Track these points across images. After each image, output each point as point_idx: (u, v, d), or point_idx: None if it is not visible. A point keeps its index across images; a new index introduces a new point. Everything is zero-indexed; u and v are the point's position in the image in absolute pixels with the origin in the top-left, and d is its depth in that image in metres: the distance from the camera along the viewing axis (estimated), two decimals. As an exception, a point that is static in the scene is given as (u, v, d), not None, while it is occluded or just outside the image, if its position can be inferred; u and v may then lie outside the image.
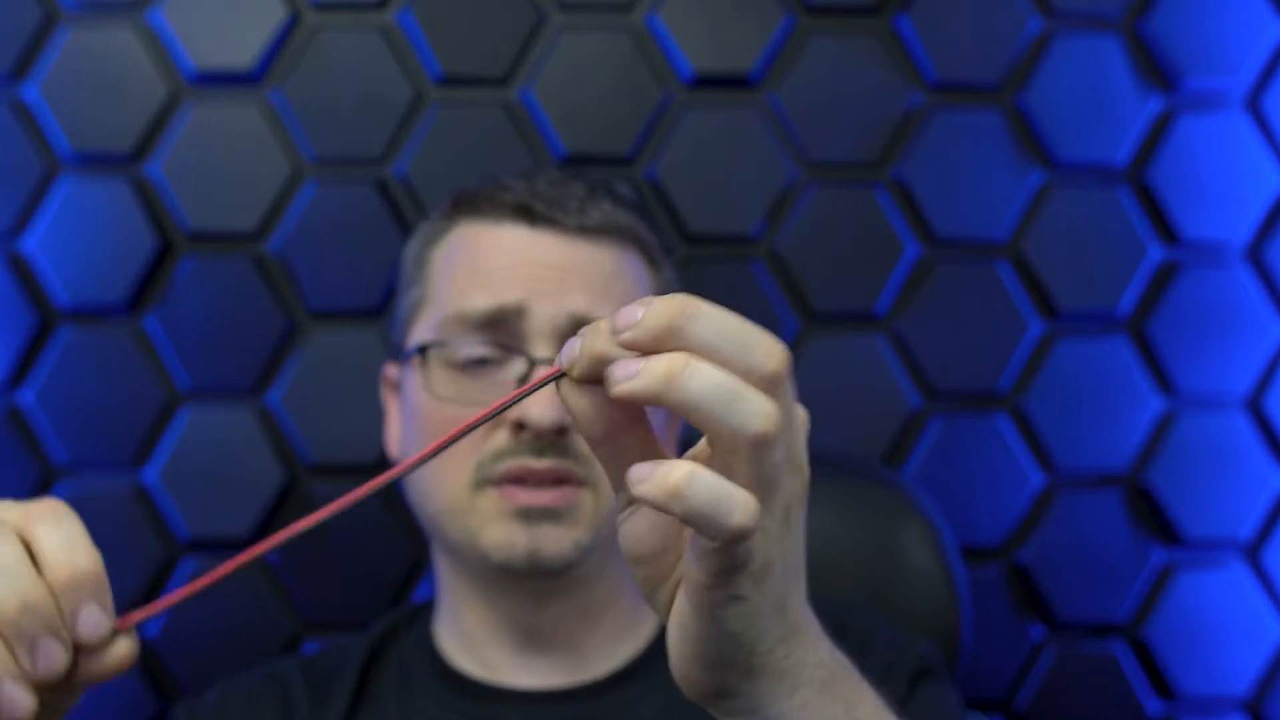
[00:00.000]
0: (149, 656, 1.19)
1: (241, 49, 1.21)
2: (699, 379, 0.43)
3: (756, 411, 0.43)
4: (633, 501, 0.49)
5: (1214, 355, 1.23)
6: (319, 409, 1.19)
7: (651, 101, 1.22)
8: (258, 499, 1.19)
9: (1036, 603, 1.22)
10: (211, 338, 1.20)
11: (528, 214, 0.85)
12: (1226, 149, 1.23)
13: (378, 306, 1.20)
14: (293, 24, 1.22)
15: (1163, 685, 1.21)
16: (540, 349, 0.81)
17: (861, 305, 1.22)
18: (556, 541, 0.80)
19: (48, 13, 1.21)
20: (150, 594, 1.19)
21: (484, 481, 0.80)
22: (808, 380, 1.21)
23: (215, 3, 1.21)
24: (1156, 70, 1.24)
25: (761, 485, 0.45)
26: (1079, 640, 1.22)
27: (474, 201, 0.87)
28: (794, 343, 1.21)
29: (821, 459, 1.06)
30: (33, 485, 1.19)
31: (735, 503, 0.43)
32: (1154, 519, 1.22)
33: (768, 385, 0.44)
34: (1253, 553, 1.23)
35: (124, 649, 0.49)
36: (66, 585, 0.47)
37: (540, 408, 0.78)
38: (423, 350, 0.84)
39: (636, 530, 0.49)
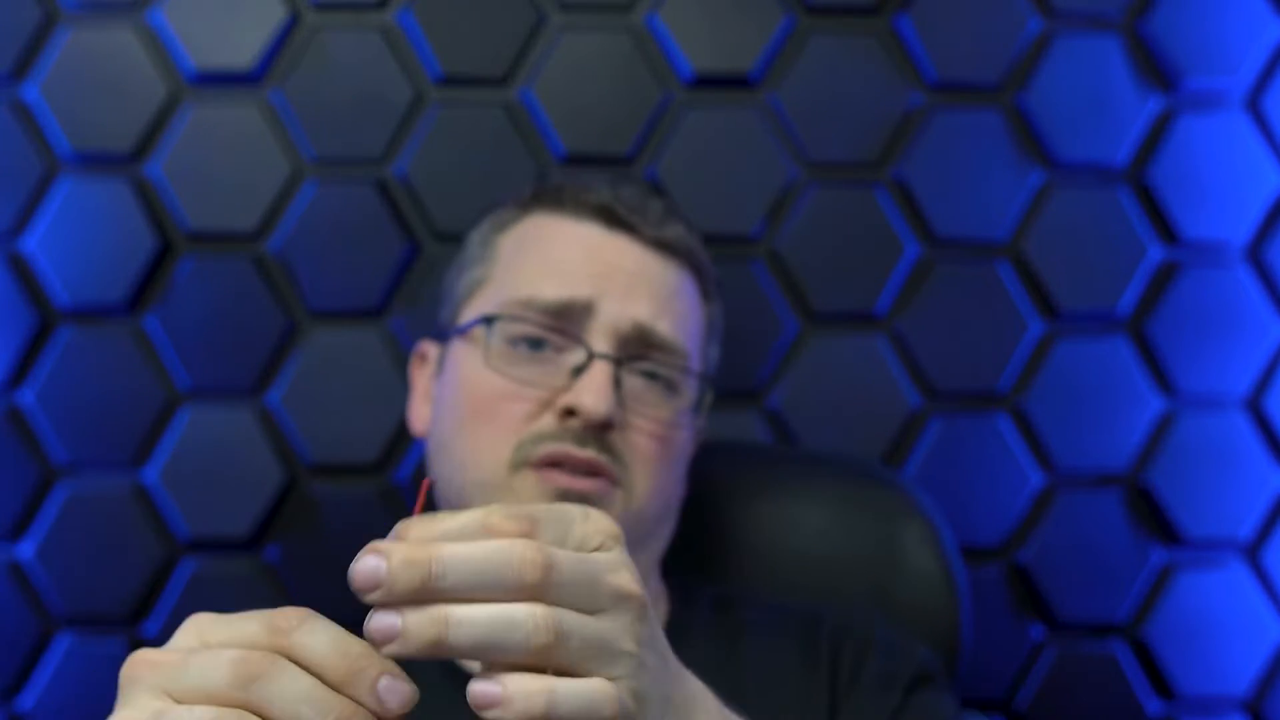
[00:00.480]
0: (149, 656, 1.19)
1: (241, 49, 1.21)
2: (464, 631, 0.43)
3: (532, 630, 0.43)
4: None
5: (1214, 355, 1.23)
6: (319, 409, 1.19)
7: (651, 101, 1.22)
8: (258, 499, 1.19)
9: (1036, 603, 1.22)
10: (211, 338, 1.20)
11: (608, 215, 0.86)
12: (1226, 149, 1.23)
13: (378, 306, 1.20)
14: (293, 24, 1.22)
15: (1162, 685, 1.21)
16: (600, 345, 0.82)
17: (861, 305, 1.22)
18: None
19: (48, 13, 1.21)
20: (150, 594, 1.19)
21: (522, 463, 0.81)
22: (808, 380, 1.21)
23: (215, 3, 1.21)
24: (1156, 70, 1.24)
25: (597, 660, 0.45)
26: (1079, 640, 1.22)
27: (556, 196, 0.89)
28: (794, 343, 1.22)
29: (821, 459, 1.07)
30: (33, 485, 1.19)
31: (600, 699, 0.44)
32: (1154, 519, 1.22)
33: (538, 591, 0.44)
34: (1252, 553, 1.23)
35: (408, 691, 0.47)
36: (358, 680, 0.46)
37: (594, 397, 0.79)
38: (488, 321, 0.84)
39: None
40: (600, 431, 0.80)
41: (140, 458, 1.19)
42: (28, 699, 1.18)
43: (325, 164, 1.21)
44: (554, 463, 0.80)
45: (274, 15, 1.21)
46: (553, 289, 0.83)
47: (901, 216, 1.22)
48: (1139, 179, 1.23)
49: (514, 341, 0.83)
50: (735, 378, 1.21)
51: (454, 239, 1.21)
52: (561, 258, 0.85)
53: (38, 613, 1.19)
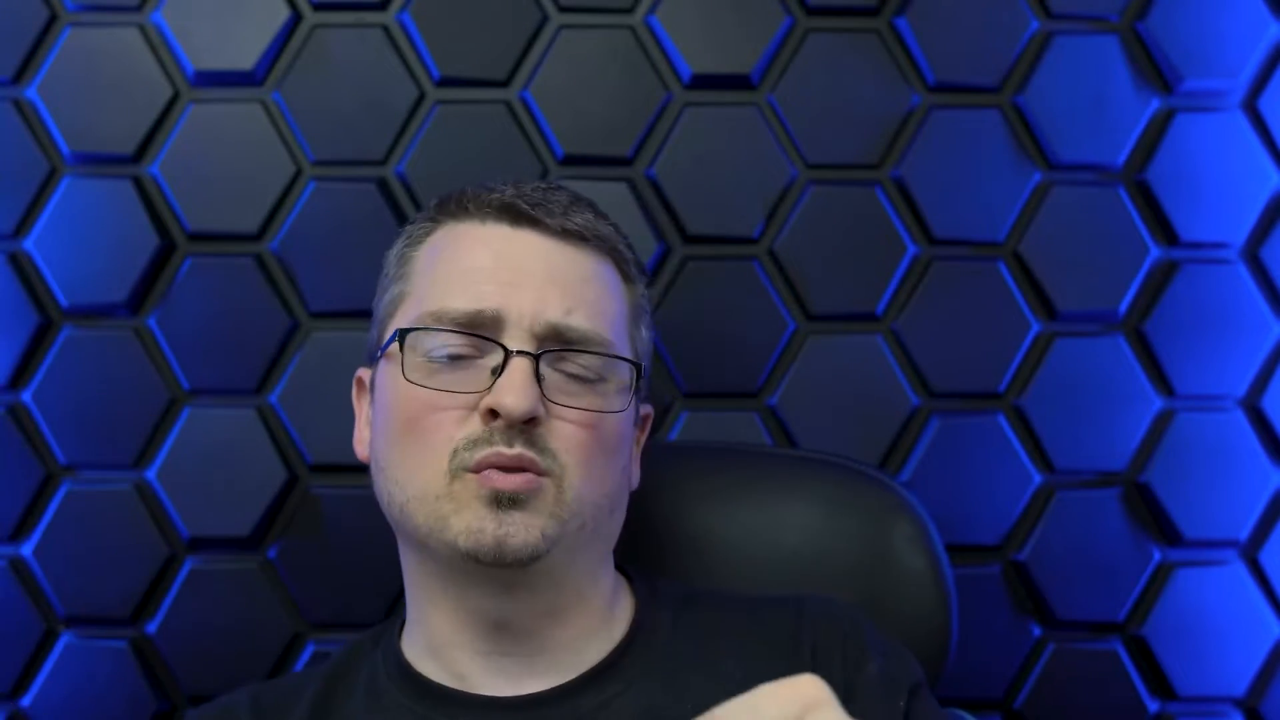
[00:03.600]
0: (149, 655, 1.19)
1: (242, 49, 1.21)
2: None
3: None
4: None
5: (1212, 355, 1.23)
6: (319, 409, 1.19)
7: (651, 101, 1.22)
8: (259, 498, 1.19)
9: (1035, 602, 1.22)
10: (212, 338, 1.20)
11: (511, 212, 0.86)
12: (1225, 149, 1.23)
13: (378, 306, 1.20)
14: (293, 24, 1.22)
15: (1161, 684, 1.22)
16: (516, 344, 0.82)
17: (861, 305, 1.22)
18: (526, 530, 0.80)
19: (50, 12, 1.21)
20: (152, 593, 1.19)
21: (461, 468, 0.81)
22: (807, 380, 1.21)
23: (216, 3, 1.21)
24: (1155, 71, 1.24)
25: None
26: (1077, 639, 1.22)
27: (460, 202, 0.89)
28: (793, 342, 1.22)
29: (810, 459, 1.07)
30: (35, 485, 1.19)
31: None
32: (1152, 518, 1.22)
33: None
34: (1250, 552, 1.23)
35: None
36: None
37: (514, 396, 0.80)
38: (401, 335, 0.84)
39: None
40: (525, 426, 0.81)
41: (141, 457, 1.20)
42: (29, 698, 1.19)
43: (326, 164, 1.21)
44: (490, 465, 0.80)
45: (275, 15, 1.21)
46: (462, 300, 0.84)
47: (900, 217, 1.23)
48: (1137, 179, 1.24)
49: (432, 357, 0.83)
50: (735, 378, 1.21)
51: (454, 239, 1.21)
52: (470, 265, 0.85)
53: (39, 612, 1.19)
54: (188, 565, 1.19)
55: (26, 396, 1.19)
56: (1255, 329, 1.23)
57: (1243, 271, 1.23)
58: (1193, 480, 1.22)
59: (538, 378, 0.82)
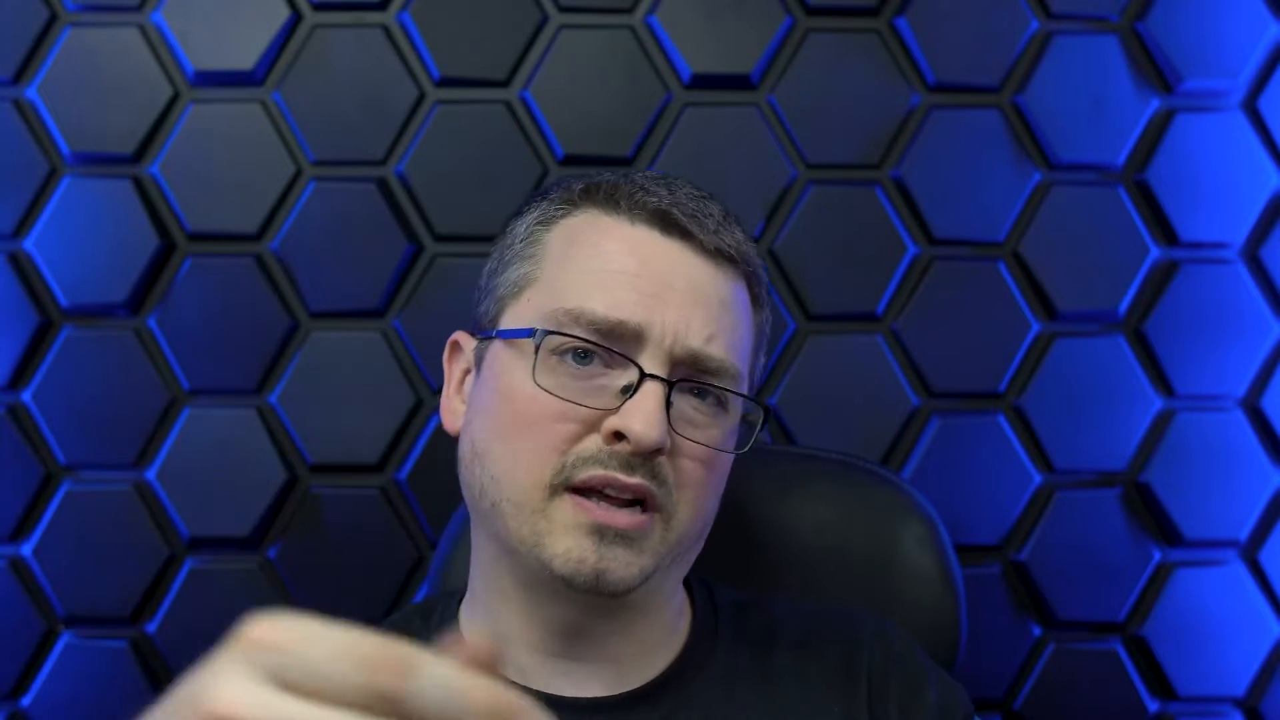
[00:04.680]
0: (149, 655, 1.19)
1: (242, 49, 1.21)
2: None
3: None
4: None
5: (1212, 355, 1.23)
6: (319, 409, 1.19)
7: (651, 101, 1.22)
8: (259, 498, 1.19)
9: (1035, 601, 1.22)
10: (212, 338, 1.20)
11: (664, 220, 0.82)
12: (1224, 150, 1.23)
13: (378, 307, 1.20)
14: (293, 24, 1.22)
15: (1161, 684, 1.22)
16: (652, 366, 0.78)
17: (861, 305, 1.22)
18: (626, 566, 0.77)
19: (50, 12, 1.21)
20: (152, 593, 1.19)
21: (562, 485, 0.77)
22: (807, 379, 1.21)
23: (216, 3, 1.21)
24: (1155, 71, 1.24)
25: None
26: (1077, 639, 1.22)
27: (611, 194, 0.83)
28: (794, 342, 1.22)
29: (819, 458, 1.07)
30: (35, 485, 1.19)
31: None
32: (1152, 518, 1.22)
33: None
34: (1250, 552, 1.23)
35: None
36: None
37: (645, 422, 0.76)
38: (541, 335, 0.79)
39: None
40: (649, 457, 0.77)
41: (141, 457, 1.20)
42: (29, 697, 1.19)
43: (326, 164, 1.21)
44: (594, 488, 0.77)
45: (275, 15, 1.21)
46: (604, 305, 0.79)
47: (900, 217, 1.23)
48: (1137, 179, 1.24)
49: (561, 352, 0.79)
50: (735, 377, 1.21)
51: (454, 239, 1.21)
52: (615, 268, 0.81)
53: (40, 611, 1.19)
54: (188, 565, 1.19)
55: (26, 396, 1.19)
56: (1255, 329, 1.23)
57: (1243, 271, 1.23)
58: (1193, 480, 1.22)
59: (668, 404, 0.78)
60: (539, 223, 0.85)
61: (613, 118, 1.22)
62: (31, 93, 1.21)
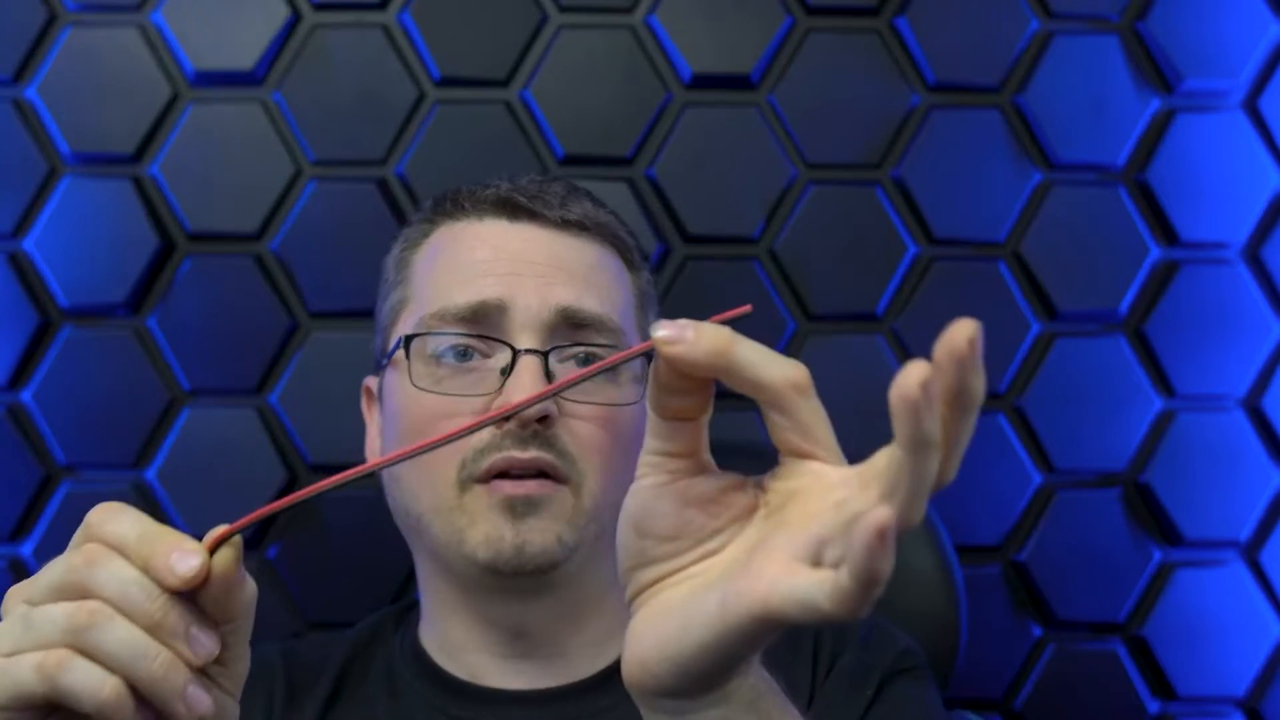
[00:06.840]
0: (150, 655, 1.19)
1: (242, 49, 1.21)
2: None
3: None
4: (671, 471, 0.52)
5: (1212, 355, 1.23)
6: (319, 409, 1.19)
7: (651, 101, 1.22)
8: (259, 498, 1.19)
9: (1035, 602, 1.22)
10: (212, 338, 1.20)
11: (509, 207, 0.84)
12: (1225, 150, 1.23)
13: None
14: (293, 24, 1.22)
15: (1161, 684, 1.22)
16: (523, 341, 0.80)
17: (861, 305, 1.22)
18: (543, 534, 0.78)
19: (50, 12, 1.21)
20: (151, 593, 1.19)
21: (470, 479, 0.79)
22: (807, 380, 1.21)
23: (216, 3, 1.21)
24: (1155, 71, 1.24)
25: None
26: (1077, 639, 1.22)
27: (455, 200, 0.87)
28: (794, 342, 1.22)
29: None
30: (35, 485, 1.19)
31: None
32: (1153, 518, 1.22)
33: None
34: (1251, 552, 1.23)
35: (222, 560, 0.51)
36: (159, 558, 0.50)
37: (522, 395, 0.76)
38: (406, 342, 0.83)
39: (660, 508, 0.51)
40: (539, 428, 0.78)
41: (141, 457, 1.20)
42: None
43: (325, 164, 1.21)
44: (500, 472, 0.78)
45: (275, 15, 1.21)
46: (464, 294, 0.81)
47: (900, 216, 1.23)
48: (1138, 179, 1.24)
49: (438, 356, 0.81)
50: (735, 377, 1.21)
51: (454, 239, 1.21)
52: (469, 261, 0.83)
53: (39, 612, 1.19)
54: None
55: (26, 396, 1.19)
56: (1255, 329, 1.23)
57: (1243, 271, 1.23)
58: (1193, 480, 1.22)
59: (547, 375, 0.79)
60: (404, 249, 0.89)
61: (613, 118, 1.22)
62: (31, 92, 1.21)
